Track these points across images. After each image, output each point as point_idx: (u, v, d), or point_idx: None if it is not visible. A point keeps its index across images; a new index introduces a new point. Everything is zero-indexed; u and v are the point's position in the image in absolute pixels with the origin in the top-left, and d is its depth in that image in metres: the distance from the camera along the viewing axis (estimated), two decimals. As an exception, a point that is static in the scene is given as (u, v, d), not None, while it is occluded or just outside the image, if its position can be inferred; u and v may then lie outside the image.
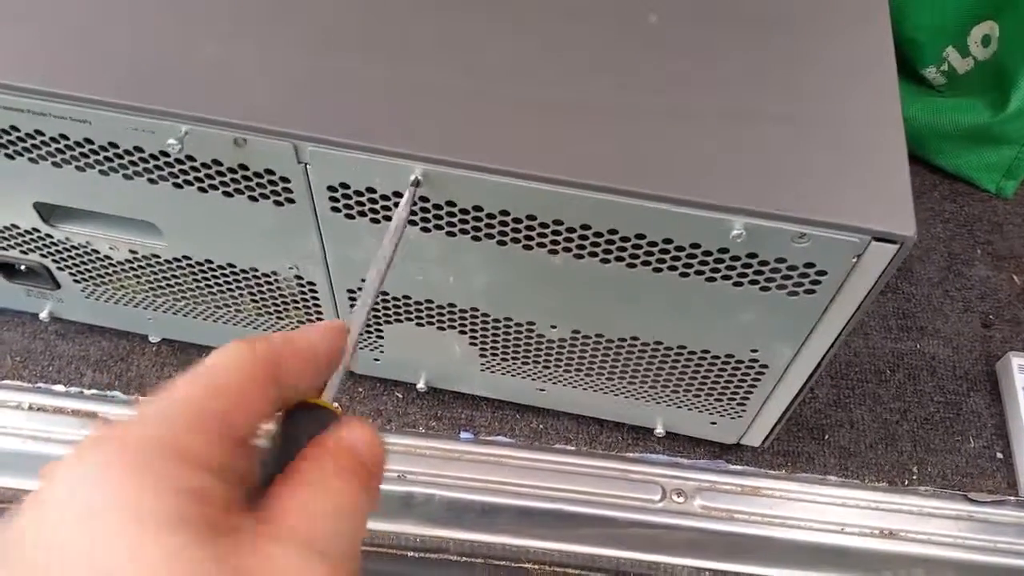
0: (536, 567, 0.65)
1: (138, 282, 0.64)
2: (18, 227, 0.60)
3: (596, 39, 0.53)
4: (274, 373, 0.29)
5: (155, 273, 0.62)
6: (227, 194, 0.52)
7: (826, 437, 0.70)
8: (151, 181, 0.53)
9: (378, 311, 0.61)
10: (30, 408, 0.68)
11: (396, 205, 0.50)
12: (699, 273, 0.50)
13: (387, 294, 0.59)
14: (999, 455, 0.70)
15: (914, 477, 0.69)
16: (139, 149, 0.51)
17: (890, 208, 0.45)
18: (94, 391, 0.70)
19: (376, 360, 0.67)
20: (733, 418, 0.63)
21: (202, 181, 0.52)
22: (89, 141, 0.51)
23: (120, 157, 0.52)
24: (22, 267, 0.66)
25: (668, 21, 0.54)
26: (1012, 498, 0.68)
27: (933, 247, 0.82)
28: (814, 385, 0.73)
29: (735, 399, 0.61)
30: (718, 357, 0.57)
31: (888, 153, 0.48)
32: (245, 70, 0.50)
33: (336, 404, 0.34)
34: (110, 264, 0.63)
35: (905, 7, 0.84)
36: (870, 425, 0.71)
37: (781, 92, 0.51)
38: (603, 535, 0.66)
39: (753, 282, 0.50)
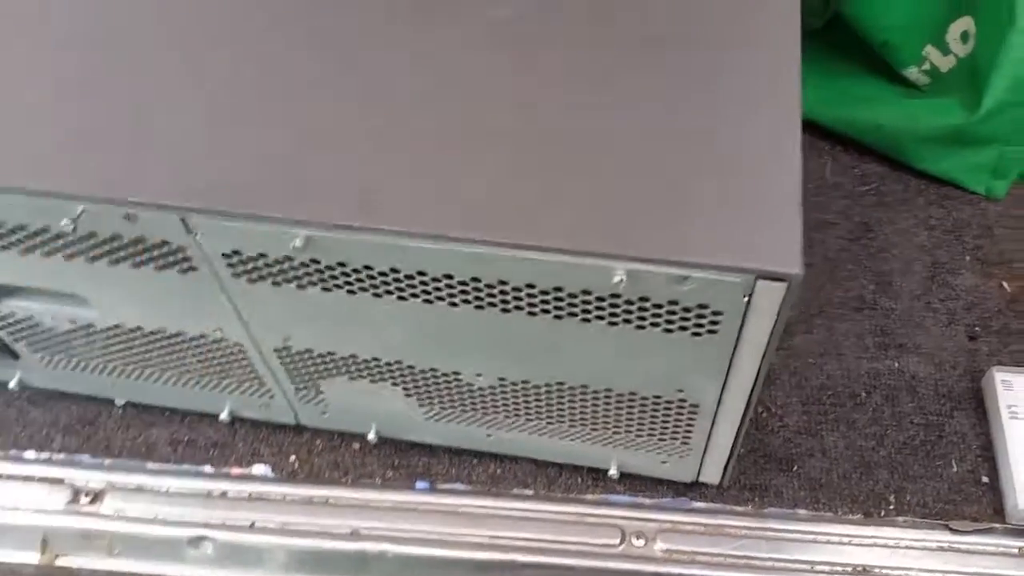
0: (493, 618, 0.64)
1: (87, 349, 0.65)
2: (-37, 305, 0.62)
3: (476, 91, 0.52)
4: None
5: (98, 341, 0.63)
6: (135, 265, 0.53)
7: (795, 468, 0.67)
8: (67, 257, 0.54)
9: (308, 367, 0.60)
10: (-1, 477, 0.70)
11: (292, 268, 0.50)
12: (599, 318, 0.48)
13: (312, 351, 0.58)
14: (985, 479, 0.66)
15: (891, 507, 0.65)
16: (47, 229, 0.52)
17: (776, 245, 0.43)
18: (63, 455, 0.71)
19: (323, 414, 0.67)
20: (681, 456, 0.61)
21: (110, 255, 0.52)
22: (1, 224, 0.52)
23: (32, 237, 0.53)
24: (-20, 341, 0.68)
25: (555, 57, 0.53)
26: (999, 525, 0.64)
27: (916, 257, 0.78)
28: (782, 412, 0.70)
29: (676, 438, 0.59)
30: (647, 398, 0.55)
31: (780, 187, 0.45)
32: (135, 145, 0.50)
33: None
34: (56, 334, 0.64)
35: (874, 10, 0.81)
36: (843, 453, 0.68)
37: (671, 125, 0.49)
38: (561, 582, 0.64)
39: (654, 325, 0.48)
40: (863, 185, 0.85)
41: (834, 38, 0.87)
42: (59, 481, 0.70)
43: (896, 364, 0.72)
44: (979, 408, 0.69)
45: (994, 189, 0.82)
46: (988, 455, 0.67)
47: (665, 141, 0.48)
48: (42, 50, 0.56)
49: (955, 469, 0.66)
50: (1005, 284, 0.76)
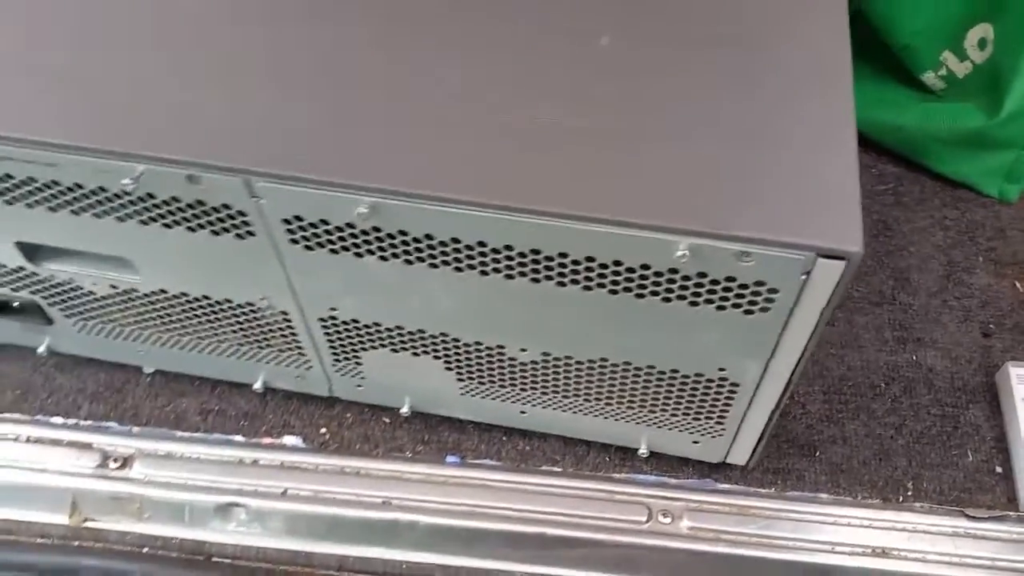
0: (521, 591, 0.65)
1: (124, 315, 0.66)
2: (5, 266, 0.62)
3: (545, 62, 0.53)
4: None
5: (137, 307, 0.64)
6: (190, 229, 0.53)
7: (817, 453, 0.69)
8: (119, 219, 0.54)
9: (352, 338, 0.61)
10: (28, 440, 0.70)
11: (352, 236, 0.51)
12: (654, 294, 0.50)
13: (358, 321, 0.59)
14: (998, 469, 0.68)
15: (909, 493, 0.67)
16: (103, 189, 0.52)
17: (836, 223, 0.45)
18: (90, 422, 0.72)
19: (359, 387, 0.68)
20: (714, 436, 0.63)
21: (165, 218, 0.53)
22: (56, 183, 0.53)
23: (87, 197, 0.53)
24: (15, 304, 0.68)
25: (619, 42, 0.54)
26: (1012, 513, 0.66)
27: (932, 256, 0.81)
28: (805, 400, 0.72)
29: (712, 417, 0.60)
30: (688, 376, 0.57)
31: (838, 169, 0.47)
32: (200, 109, 0.51)
33: None
34: (95, 299, 0.64)
35: (897, 13, 0.83)
36: (863, 440, 0.69)
37: (732, 109, 0.50)
38: (588, 558, 0.65)
39: (708, 301, 0.49)
40: (881, 184, 0.87)
41: (854, 41, 0.89)
42: (87, 446, 0.70)
43: (914, 357, 0.74)
44: (993, 402, 0.71)
45: (1007, 193, 0.85)
46: (1002, 446, 0.69)
47: (726, 124, 0.50)
48: (111, 8, 0.57)
49: (970, 459, 0.69)
50: (1018, 284, 0.79)
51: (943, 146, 0.84)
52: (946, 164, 0.86)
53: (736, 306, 0.49)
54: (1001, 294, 0.78)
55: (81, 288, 0.63)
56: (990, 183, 0.85)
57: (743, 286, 0.47)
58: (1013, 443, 0.68)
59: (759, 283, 0.47)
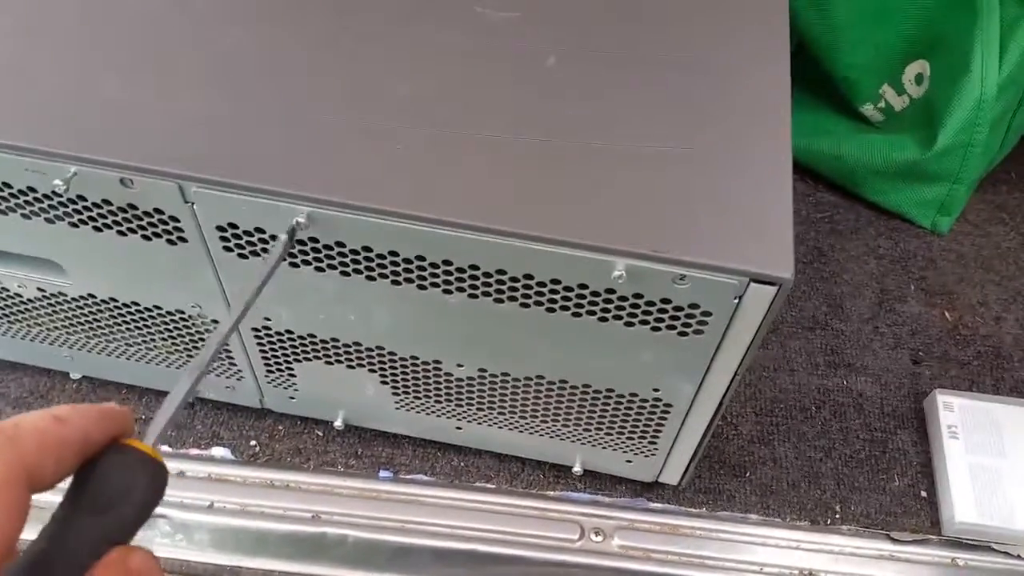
0: (450, 608, 0.64)
1: (51, 320, 0.64)
2: (-74, 265, 0.60)
3: (491, 80, 0.53)
4: (25, 475, 0.27)
5: (65, 311, 0.62)
6: (121, 233, 0.52)
7: (748, 475, 0.70)
8: (48, 220, 0.53)
9: (286, 349, 0.60)
10: (-56, 446, 0.68)
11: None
12: (590, 313, 0.50)
13: (292, 332, 0.58)
14: (923, 494, 0.69)
15: (836, 516, 0.68)
16: (32, 189, 0.51)
17: (769, 250, 0.45)
18: (12, 429, 0.69)
19: (291, 398, 0.67)
20: (646, 456, 0.63)
21: (95, 220, 0.52)
22: (-17, 181, 0.51)
23: (15, 197, 0.52)
24: (-64, 304, 0.65)
25: (564, 63, 0.55)
26: (934, 537, 0.67)
27: (865, 283, 0.82)
28: (737, 421, 0.72)
29: (645, 437, 0.61)
30: (623, 396, 0.57)
31: (773, 198, 0.48)
32: (136, 111, 0.50)
33: (157, 448, 0.33)
34: (21, 302, 0.62)
35: (839, 45, 0.84)
36: (793, 463, 0.70)
37: (671, 133, 0.51)
38: (519, 575, 0.65)
39: (643, 322, 0.49)
40: (818, 212, 0.89)
41: (797, 71, 0.91)
42: (8, 453, 0.68)
43: (844, 382, 0.75)
44: (920, 427, 0.73)
45: (939, 224, 0.87)
46: (927, 471, 0.71)
47: (666, 148, 0.50)
48: (49, 3, 0.55)
49: (897, 483, 0.70)
50: (947, 314, 0.81)
51: (879, 177, 0.86)
52: (882, 194, 0.88)
53: (671, 327, 0.49)
54: (931, 323, 0.80)
55: (7, 290, 0.61)
56: (923, 214, 0.87)
57: (678, 308, 0.48)
58: (938, 469, 0.70)
59: (693, 305, 0.47)
